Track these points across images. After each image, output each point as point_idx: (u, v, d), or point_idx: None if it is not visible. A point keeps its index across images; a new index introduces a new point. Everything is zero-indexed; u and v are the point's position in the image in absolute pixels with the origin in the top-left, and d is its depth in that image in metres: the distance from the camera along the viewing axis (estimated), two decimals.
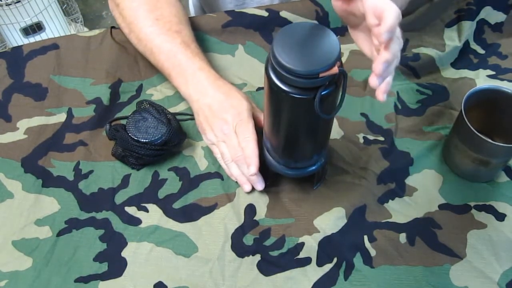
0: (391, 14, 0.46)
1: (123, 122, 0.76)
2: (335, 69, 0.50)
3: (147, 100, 0.77)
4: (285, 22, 0.88)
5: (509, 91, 0.69)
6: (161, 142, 0.72)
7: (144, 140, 0.71)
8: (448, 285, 0.64)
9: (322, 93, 0.51)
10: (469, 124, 0.65)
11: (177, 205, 0.71)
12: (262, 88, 0.83)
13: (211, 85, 0.74)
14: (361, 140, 0.77)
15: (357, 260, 0.66)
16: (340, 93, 0.54)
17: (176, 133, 0.74)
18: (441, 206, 0.71)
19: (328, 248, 0.67)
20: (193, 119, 0.78)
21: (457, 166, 0.73)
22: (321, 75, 0.49)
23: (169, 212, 0.70)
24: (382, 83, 0.50)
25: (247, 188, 0.71)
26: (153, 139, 0.71)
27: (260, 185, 0.71)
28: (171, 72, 0.77)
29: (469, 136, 0.66)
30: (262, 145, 0.69)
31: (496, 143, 0.65)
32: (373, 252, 0.67)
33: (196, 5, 1.12)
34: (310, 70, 0.49)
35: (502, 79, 0.84)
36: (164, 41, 0.77)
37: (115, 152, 0.74)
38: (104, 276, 0.65)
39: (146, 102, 0.76)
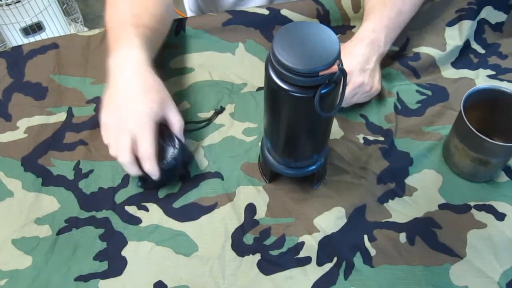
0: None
1: None
2: (335, 68, 0.50)
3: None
4: (286, 20, 0.88)
5: (508, 90, 0.69)
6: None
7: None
8: (448, 284, 0.64)
9: (322, 91, 0.51)
10: (468, 124, 0.65)
11: (177, 204, 0.71)
12: (262, 88, 0.83)
13: (133, 70, 0.69)
14: (361, 141, 0.77)
15: (357, 259, 0.66)
16: (340, 92, 0.54)
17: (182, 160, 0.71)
18: (441, 206, 0.71)
19: (328, 247, 0.67)
20: (204, 127, 0.78)
21: (456, 165, 0.73)
22: (321, 73, 0.49)
23: (169, 211, 0.70)
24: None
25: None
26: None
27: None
28: (111, 46, 0.72)
29: (468, 135, 0.66)
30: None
31: (496, 142, 0.65)
32: (373, 252, 0.67)
33: (192, 3, 1.12)
34: (310, 69, 0.49)
35: (501, 79, 0.84)
36: (117, 26, 0.74)
37: None
38: (104, 275, 0.65)
39: None
